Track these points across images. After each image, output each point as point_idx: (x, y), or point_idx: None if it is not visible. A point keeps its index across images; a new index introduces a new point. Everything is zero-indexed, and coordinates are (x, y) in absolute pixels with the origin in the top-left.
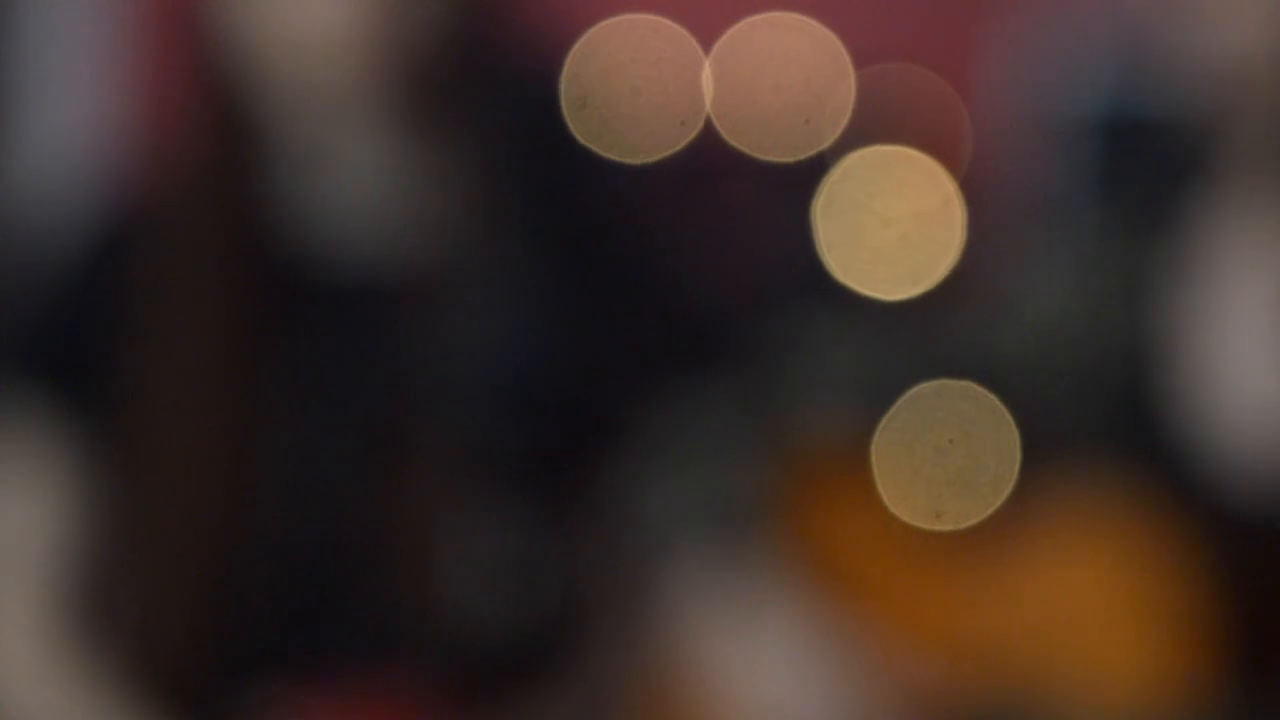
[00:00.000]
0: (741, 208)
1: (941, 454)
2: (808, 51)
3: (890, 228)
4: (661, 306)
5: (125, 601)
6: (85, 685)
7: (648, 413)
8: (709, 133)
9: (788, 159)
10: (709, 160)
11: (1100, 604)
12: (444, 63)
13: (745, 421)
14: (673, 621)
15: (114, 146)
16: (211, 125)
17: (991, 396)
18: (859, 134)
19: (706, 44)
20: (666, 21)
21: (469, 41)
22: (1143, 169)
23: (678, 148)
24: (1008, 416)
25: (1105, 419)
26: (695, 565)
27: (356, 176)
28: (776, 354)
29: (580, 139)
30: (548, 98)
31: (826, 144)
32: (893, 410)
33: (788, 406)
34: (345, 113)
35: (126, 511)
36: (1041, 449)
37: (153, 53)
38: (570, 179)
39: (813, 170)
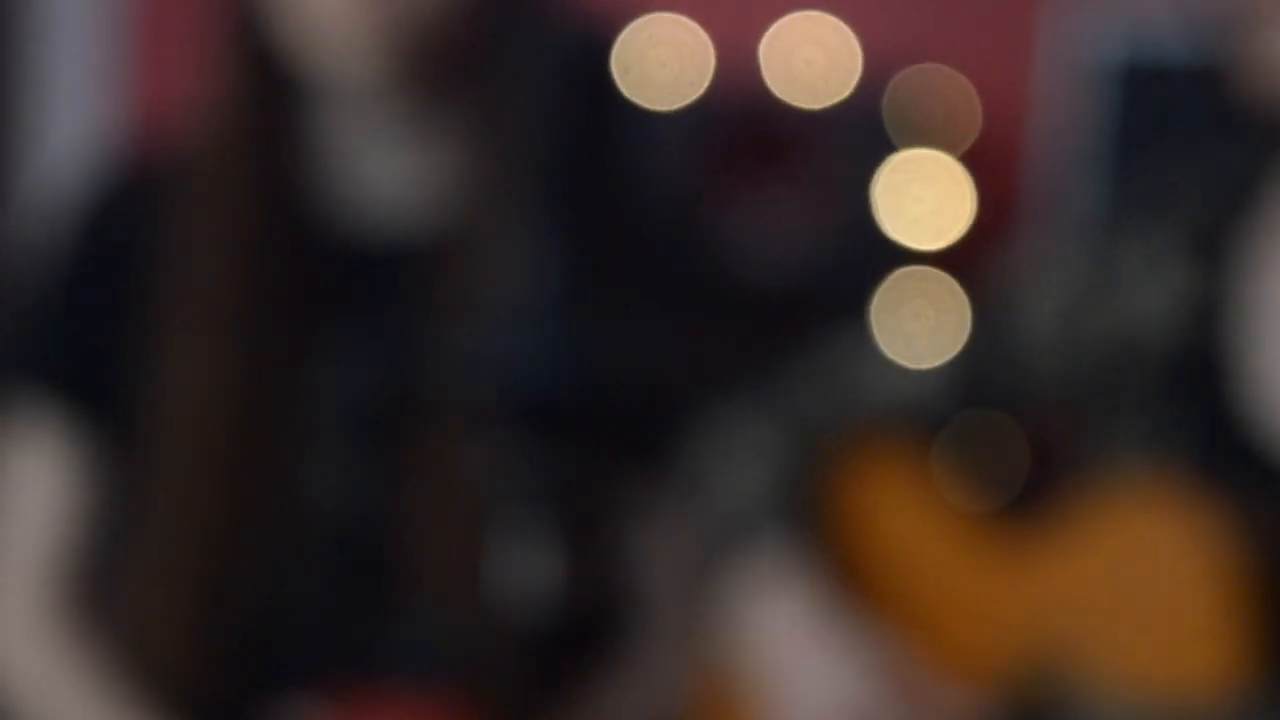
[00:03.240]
0: (792, 191)
1: (970, 438)
2: (829, 41)
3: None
4: (713, 297)
5: (137, 599)
6: (95, 689)
7: (700, 408)
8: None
9: (809, 107)
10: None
11: (1150, 592)
12: (480, 28)
13: (797, 415)
14: (728, 618)
15: (141, 121)
16: (243, 93)
17: (1022, 376)
18: (897, 133)
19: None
20: (682, 18)
21: (506, 7)
22: (1211, 128)
23: (692, 100)
24: (1035, 396)
25: (1158, 402)
26: (751, 560)
27: (393, 146)
28: (829, 348)
29: (624, 105)
30: (589, 64)
31: (841, 98)
32: (937, 388)
33: (841, 400)
34: (380, 80)
35: (145, 503)
36: (1093, 435)
37: (184, 24)
38: (614, 156)
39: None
